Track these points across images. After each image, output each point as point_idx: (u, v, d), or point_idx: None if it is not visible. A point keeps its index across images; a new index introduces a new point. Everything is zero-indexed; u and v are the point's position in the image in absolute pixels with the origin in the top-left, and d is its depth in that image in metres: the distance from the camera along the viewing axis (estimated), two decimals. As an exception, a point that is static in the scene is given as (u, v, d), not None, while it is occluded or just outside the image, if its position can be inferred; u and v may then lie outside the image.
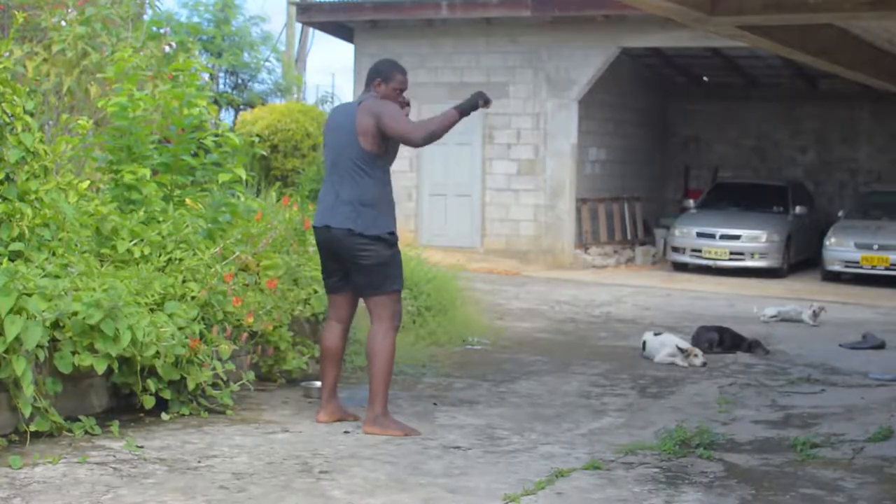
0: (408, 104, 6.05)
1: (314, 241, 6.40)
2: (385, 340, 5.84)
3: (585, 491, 4.96)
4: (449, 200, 17.53)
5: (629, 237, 18.67)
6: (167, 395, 5.93)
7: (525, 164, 17.16)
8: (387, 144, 5.89)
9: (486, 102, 5.94)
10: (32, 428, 5.22)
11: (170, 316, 5.92)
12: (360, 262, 5.83)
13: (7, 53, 6.95)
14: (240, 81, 24.28)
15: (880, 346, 9.92)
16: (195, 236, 6.70)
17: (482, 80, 17.18)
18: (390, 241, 5.87)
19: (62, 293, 5.39)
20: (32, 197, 5.86)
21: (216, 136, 7.36)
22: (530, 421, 6.39)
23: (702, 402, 7.23)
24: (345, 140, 5.88)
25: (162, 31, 10.50)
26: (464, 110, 5.90)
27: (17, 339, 4.96)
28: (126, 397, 5.98)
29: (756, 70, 19.95)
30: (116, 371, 5.67)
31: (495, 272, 15.53)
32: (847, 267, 16.02)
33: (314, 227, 6.03)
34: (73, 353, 5.42)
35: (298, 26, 27.42)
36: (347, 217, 5.80)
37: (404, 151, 17.07)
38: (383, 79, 5.98)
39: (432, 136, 5.84)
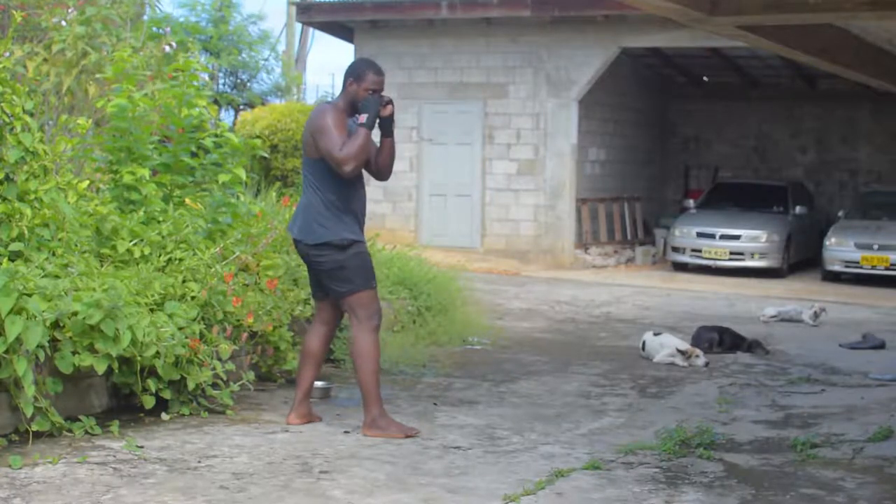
0: (390, 102, 5.85)
1: None
2: (365, 340, 5.80)
3: (585, 491, 4.96)
4: (449, 200, 17.53)
5: (629, 237, 18.67)
6: (167, 395, 5.93)
7: (525, 164, 17.15)
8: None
9: (386, 104, 5.77)
10: (33, 428, 5.21)
11: (170, 316, 5.92)
12: (318, 269, 5.87)
13: (7, 53, 6.95)
14: (239, 81, 24.28)
15: (880, 346, 9.92)
16: (195, 236, 6.70)
17: (482, 80, 17.19)
18: (340, 245, 5.76)
19: (62, 293, 5.39)
20: (32, 197, 5.86)
21: (216, 136, 7.35)
22: (530, 421, 6.39)
23: (702, 402, 7.23)
24: (303, 146, 5.92)
25: (162, 31, 10.49)
26: (370, 125, 5.73)
27: (17, 339, 4.96)
28: (126, 397, 5.98)
29: (756, 70, 19.95)
30: (116, 371, 5.67)
31: (495, 272, 15.53)
32: (847, 267, 16.02)
33: None
34: (74, 353, 5.41)
35: (298, 26, 27.41)
36: (297, 226, 5.87)
37: (404, 152, 17.21)
38: (355, 79, 5.82)
39: (357, 165, 5.70)
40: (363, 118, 5.71)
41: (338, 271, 5.79)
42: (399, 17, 17.46)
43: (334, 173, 5.74)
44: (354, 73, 5.84)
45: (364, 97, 5.77)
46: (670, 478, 5.25)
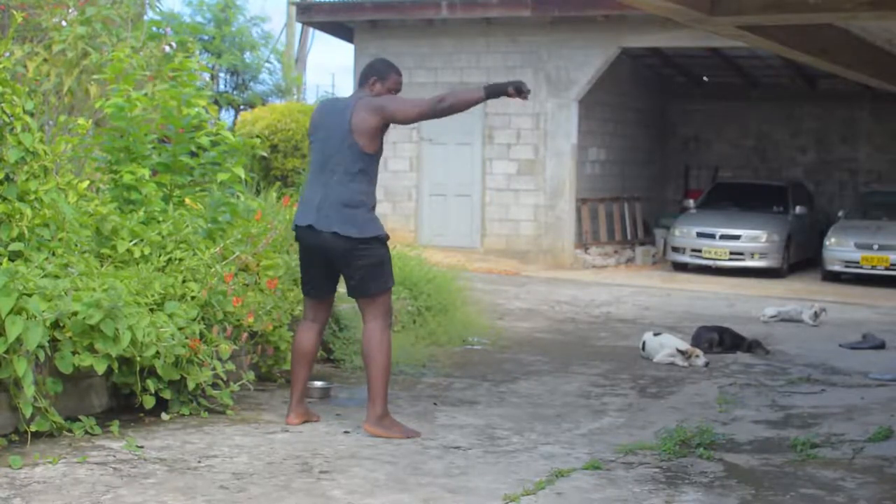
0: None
1: None
2: (382, 338, 5.79)
3: (585, 491, 4.96)
4: (449, 200, 17.53)
5: (629, 237, 18.67)
6: (167, 395, 5.93)
7: (525, 164, 17.15)
8: (381, 143, 5.87)
9: (519, 93, 5.77)
10: (32, 428, 5.21)
11: (170, 316, 5.92)
12: (357, 263, 5.74)
13: (7, 53, 6.95)
14: (240, 82, 24.30)
15: (880, 346, 9.92)
16: (195, 236, 6.69)
17: (482, 80, 17.16)
18: (384, 239, 5.83)
19: (62, 293, 5.39)
20: (32, 197, 5.86)
21: (213, 135, 7.34)
22: (530, 421, 6.39)
23: (702, 402, 7.23)
24: (338, 139, 5.77)
25: (163, 31, 10.49)
26: (490, 93, 5.81)
27: (17, 339, 4.96)
28: (126, 397, 5.98)
29: (756, 70, 19.95)
30: (116, 371, 5.67)
31: (495, 272, 15.53)
32: (847, 267, 16.03)
33: (297, 227, 5.89)
34: (74, 353, 5.41)
35: (298, 26, 27.41)
36: (340, 220, 5.69)
37: (404, 152, 17.23)
38: (379, 78, 5.91)
39: (451, 109, 5.83)
40: (487, 86, 5.85)
41: (377, 267, 5.78)
42: (399, 17, 17.47)
43: (377, 167, 5.85)
44: (378, 73, 5.95)
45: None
46: (670, 478, 5.25)
